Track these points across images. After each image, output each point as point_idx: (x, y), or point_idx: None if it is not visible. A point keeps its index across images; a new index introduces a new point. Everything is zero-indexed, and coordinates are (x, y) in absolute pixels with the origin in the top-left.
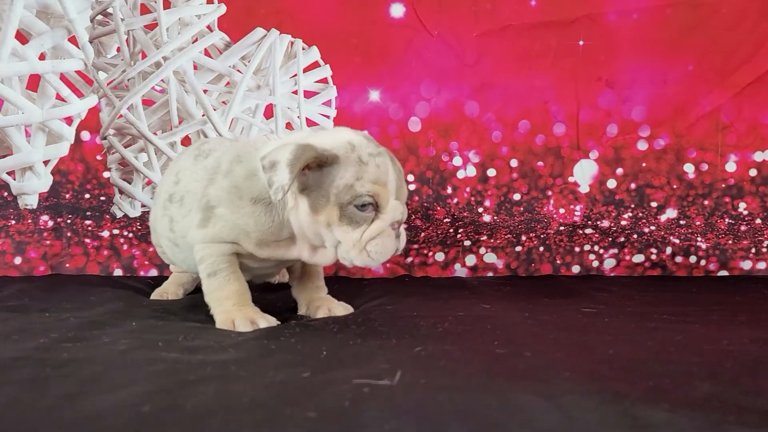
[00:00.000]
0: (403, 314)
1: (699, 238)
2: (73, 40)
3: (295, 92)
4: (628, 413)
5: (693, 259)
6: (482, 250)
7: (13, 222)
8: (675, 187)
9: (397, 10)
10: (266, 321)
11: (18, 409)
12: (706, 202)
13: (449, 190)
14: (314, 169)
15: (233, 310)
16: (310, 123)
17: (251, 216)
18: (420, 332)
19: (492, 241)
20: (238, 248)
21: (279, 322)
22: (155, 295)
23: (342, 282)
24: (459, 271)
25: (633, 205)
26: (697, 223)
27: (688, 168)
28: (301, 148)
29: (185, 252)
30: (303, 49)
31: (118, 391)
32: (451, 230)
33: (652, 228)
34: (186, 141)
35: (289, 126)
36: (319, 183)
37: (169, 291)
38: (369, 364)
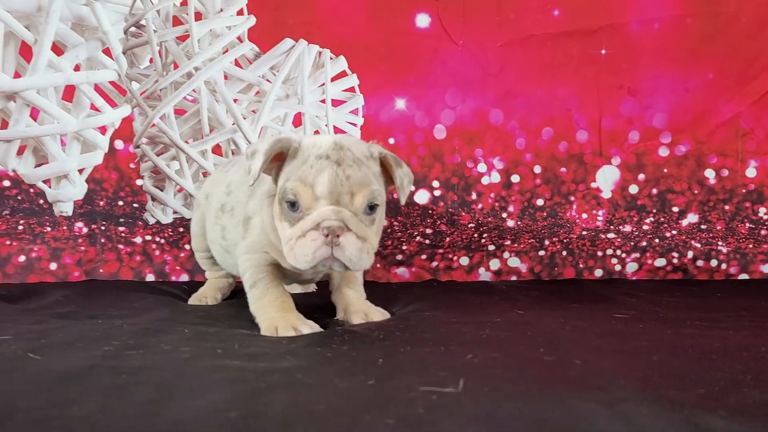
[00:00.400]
0: (443, 320)
1: (720, 242)
2: (107, 51)
3: (323, 101)
4: (689, 420)
5: (714, 262)
6: (506, 255)
7: (49, 229)
8: (696, 192)
9: (423, 21)
10: (309, 327)
11: (111, 416)
12: (726, 207)
13: (474, 196)
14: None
15: (277, 317)
16: (338, 131)
17: (265, 215)
18: (464, 339)
19: (516, 245)
20: (272, 258)
21: (322, 329)
22: (194, 300)
23: (371, 286)
24: (483, 275)
25: (655, 210)
26: (718, 227)
27: (709, 173)
28: (277, 139)
29: (235, 258)
30: (330, 58)
31: (197, 398)
32: (476, 235)
33: (674, 232)
34: (216, 149)
35: (317, 134)
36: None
37: (207, 295)
38: (427, 372)
